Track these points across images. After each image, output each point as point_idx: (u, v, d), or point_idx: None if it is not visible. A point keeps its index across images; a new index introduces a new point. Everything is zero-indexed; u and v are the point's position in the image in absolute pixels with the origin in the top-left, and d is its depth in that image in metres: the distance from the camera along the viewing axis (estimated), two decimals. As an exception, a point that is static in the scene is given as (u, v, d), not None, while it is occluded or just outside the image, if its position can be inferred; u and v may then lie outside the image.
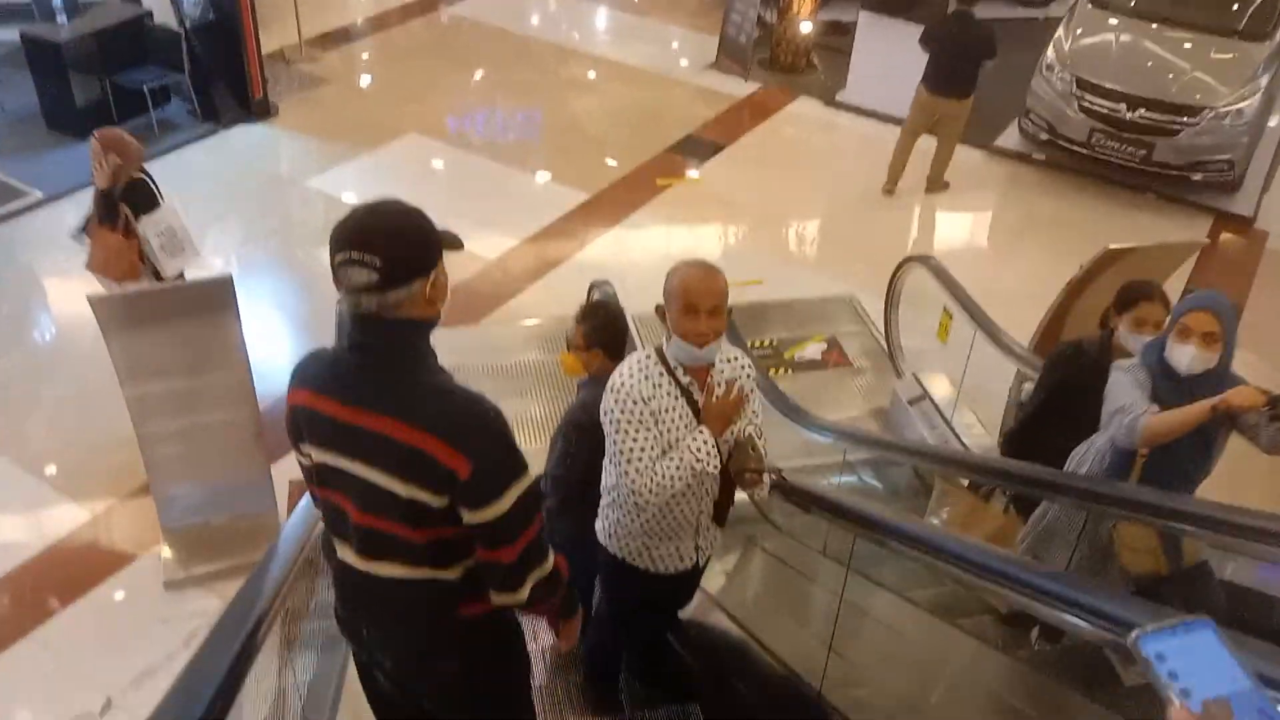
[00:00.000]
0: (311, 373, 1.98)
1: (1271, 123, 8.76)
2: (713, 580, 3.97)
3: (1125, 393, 2.98)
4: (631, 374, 2.55)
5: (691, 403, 2.57)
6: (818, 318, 6.97)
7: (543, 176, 8.76)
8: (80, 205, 5.18)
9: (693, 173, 8.88)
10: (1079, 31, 8.78)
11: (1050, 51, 8.74)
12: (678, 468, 2.49)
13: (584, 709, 3.45)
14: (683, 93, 10.31)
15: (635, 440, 2.50)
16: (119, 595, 4.79)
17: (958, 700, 2.57)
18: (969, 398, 5.63)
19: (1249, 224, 8.30)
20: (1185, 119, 7.93)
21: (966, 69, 7.75)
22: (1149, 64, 8.42)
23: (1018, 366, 4.93)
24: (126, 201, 4.77)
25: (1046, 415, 3.66)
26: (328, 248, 1.83)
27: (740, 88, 10.31)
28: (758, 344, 6.56)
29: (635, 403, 2.50)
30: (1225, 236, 8.11)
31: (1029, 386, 4.16)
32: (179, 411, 4.63)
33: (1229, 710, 0.74)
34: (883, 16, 9.62)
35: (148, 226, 4.82)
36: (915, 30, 8.10)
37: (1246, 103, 8.00)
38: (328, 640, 3.32)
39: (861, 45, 9.91)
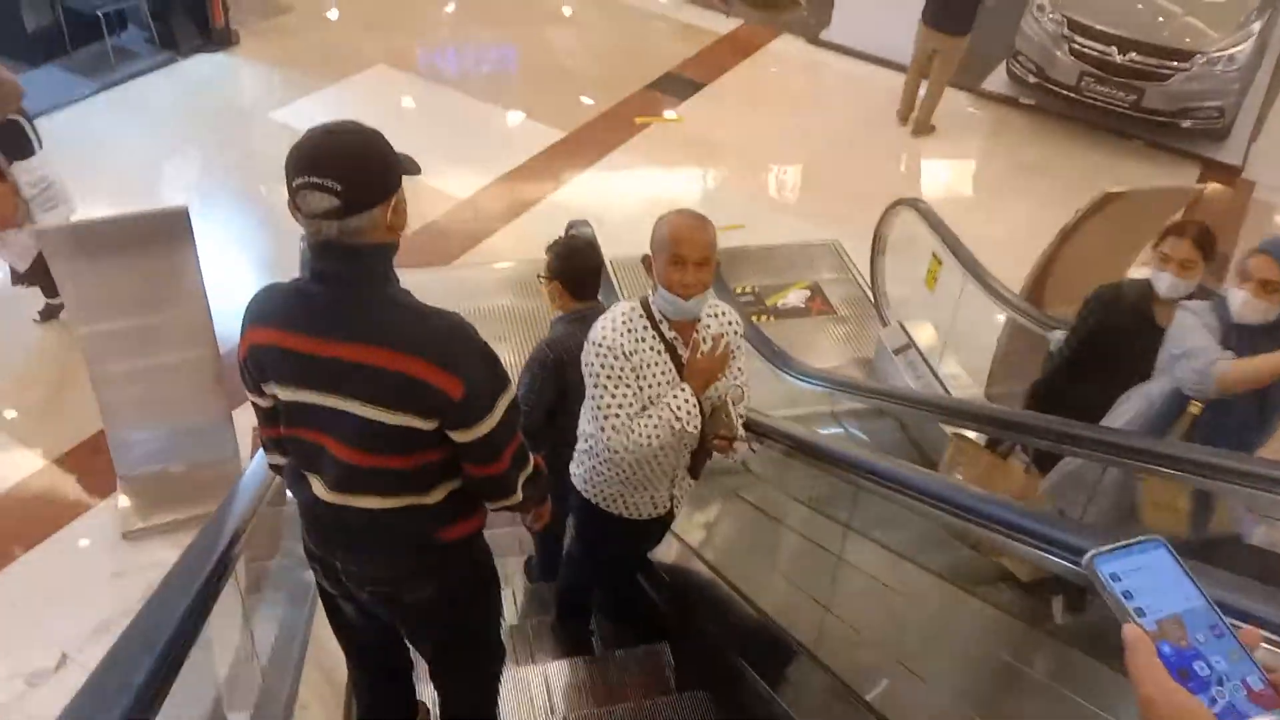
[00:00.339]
0: (271, 308, 1.88)
1: (1261, 71, 8.64)
2: (693, 533, 3.88)
3: (1194, 335, 2.76)
4: (614, 326, 2.44)
5: (675, 358, 2.49)
6: (800, 264, 6.83)
7: (516, 113, 8.48)
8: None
9: (671, 112, 8.63)
10: (1072, -28, 8.55)
11: (1042, -9, 8.53)
12: (656, 425, 2.41)
13: (555, 648, 3.46)
14: (663, 27, 10.02)
15: (614, 396, 2.42)
16: (76, 545, 4.60)
17: (966, 669, 2.47)
18: (954, 348, 5.51)
19: (1237, 173, 8.23)
20: (1176, 64, 7.80)
21: (965, 3, 7.57)
22: (1140, 6, 8.28)
23: (1007, 314, 4.81)
24: None
25: (1081, 362, 3.48)
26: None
27: (722, 24, 10.04)
28: (739, 290, 6.39)
29: (616, 358, 2.41)
30: (1213, 185, 8.00)
31: (1058, 334, 3.92)
32: (135, 351, 4.45)
33: (1182, 627, 0.76)
34: (870, -48, 9.34)
35: (20, 174, 4.55)
36: (904, -32, 7.86)
37: (1239, 48, 7.88)
38: (291, 594, 3.17)
39: (848, -18, 9.64)
